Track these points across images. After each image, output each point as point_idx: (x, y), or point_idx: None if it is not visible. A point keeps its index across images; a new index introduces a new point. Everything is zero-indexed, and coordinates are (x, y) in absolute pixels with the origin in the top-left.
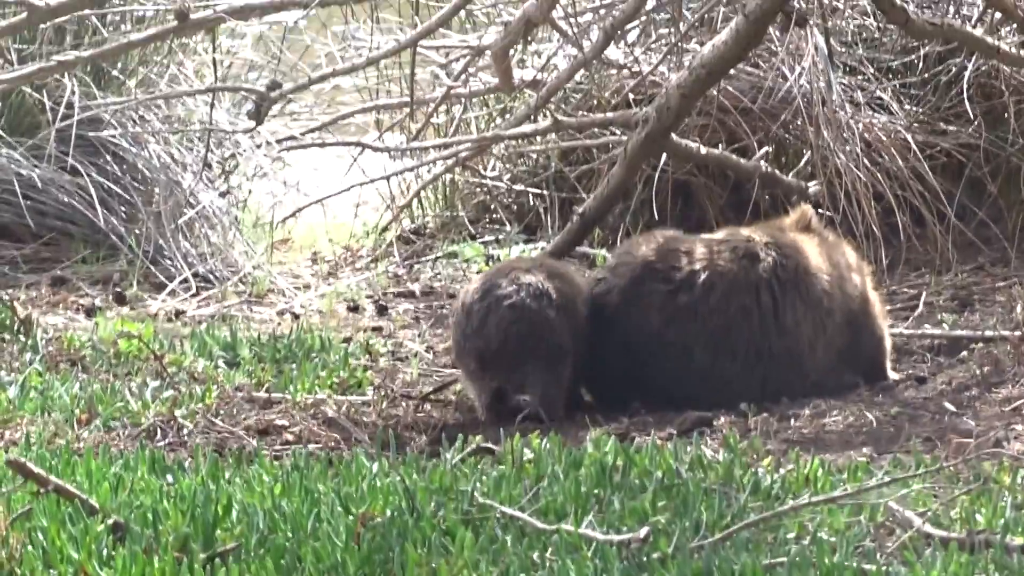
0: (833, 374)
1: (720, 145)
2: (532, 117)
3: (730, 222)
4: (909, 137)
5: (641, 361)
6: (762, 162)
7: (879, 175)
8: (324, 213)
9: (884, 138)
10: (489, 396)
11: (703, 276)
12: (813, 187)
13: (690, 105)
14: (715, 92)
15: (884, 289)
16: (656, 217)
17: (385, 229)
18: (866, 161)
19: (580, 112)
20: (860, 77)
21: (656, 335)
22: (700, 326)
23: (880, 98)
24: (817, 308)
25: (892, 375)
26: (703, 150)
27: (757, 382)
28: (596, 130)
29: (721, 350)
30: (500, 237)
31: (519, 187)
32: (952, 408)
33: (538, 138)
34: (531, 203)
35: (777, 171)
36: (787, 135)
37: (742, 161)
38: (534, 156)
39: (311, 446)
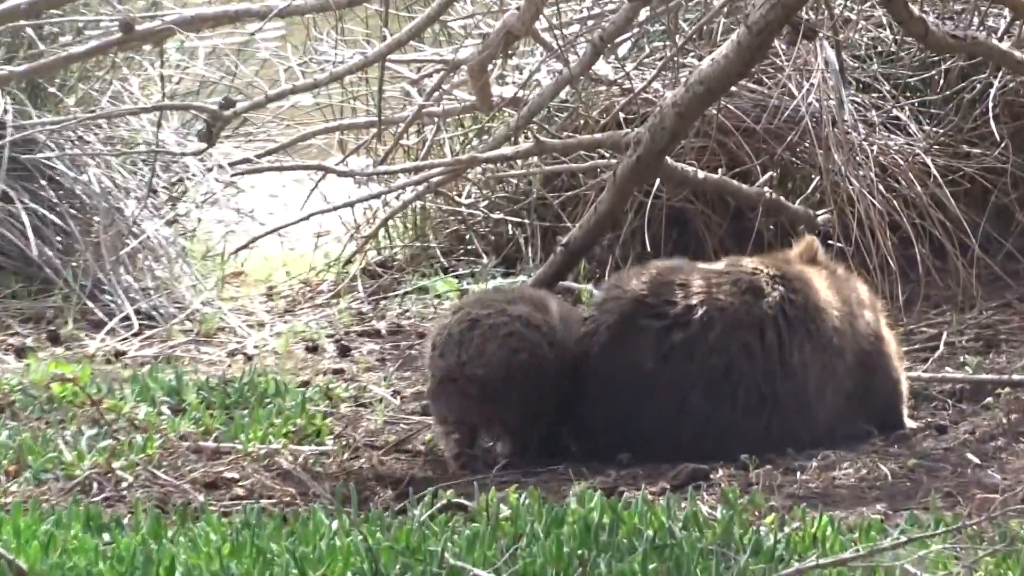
0: (844, 421)
1: (720, 169)
2: (512, 139)
3: (730, 254)
4: (928, 161)
5: (631, 406)
6: (766, 188)
7: (895, 203)
8: (281, 244)
9: (901, 162)
10: (466, 435)
11: (701, 311)
12: (822, 215)
13: (687, 125)
14: (714, 111)
15: (900, 328)
16: (648, 248)
17: (348, 261)
18: (881, 187)
19: (565, 133)
20: (875, 95)
21: (648, 376)
22: (697, 367)
23: (897, 118)
24: (827, 348)
25: (909, 423)
26: (701, 174)
27: (760, 430)
28: (582, 153)
29: (720, 394)
30: (476, 270)
31: (497, 215)
32: (976, 460)
33: (519, 162)
34: (510, 233)
35: (783, 198)
36: (794, 159)
37: (744, 187)
38: (514, 182)
39: (264, 501)
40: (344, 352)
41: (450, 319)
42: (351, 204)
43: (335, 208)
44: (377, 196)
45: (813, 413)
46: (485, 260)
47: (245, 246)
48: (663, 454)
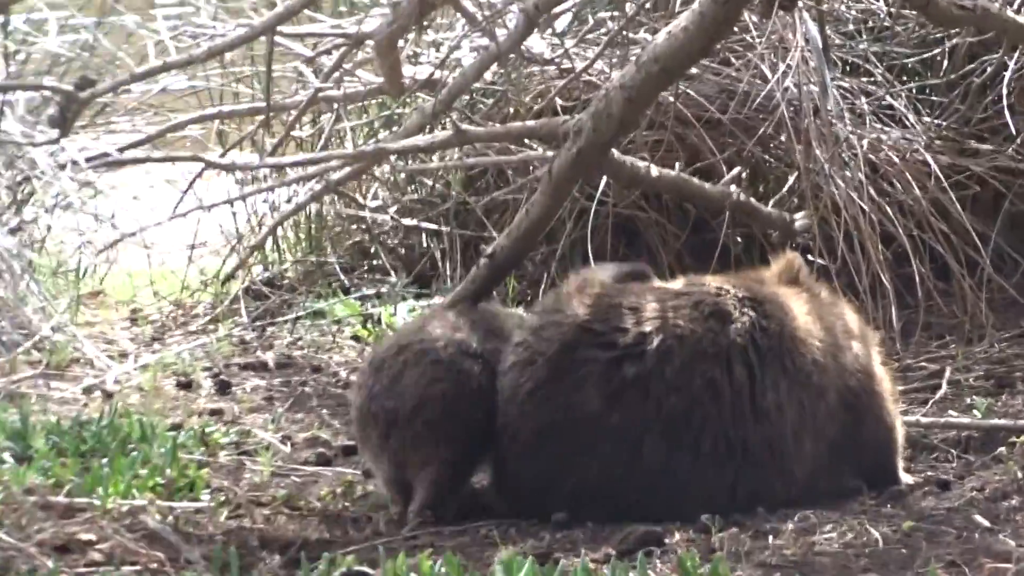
0: (826, 475)
1: (678, 166)
2: (428, 128)
3: (688, 270)
4: (929, 159)
5: (571, 455)
6: (733, 187)
7: (889, 210)
8: (148, 258)
9: (896, 160)
10: (398, 488)
11: (656, 340)
12: (801, 220)
13: (638, 112)
14: (671, 97)
15: (895, 363)
16: (592, 264)
17: (229, 278)
18: (872, 191)
19: (491, 122)
20: (865, 79)
21: (593, 420)
22: (652, 408)
23: (891, 107)
24: (807, 387)
25: (905, 478)
26: (655, 171)
27: (726, 485)
28: (512, 145)
29: (679, 441)
30: (383, 290)
31: (409, 222)
32: (985, 523)
33: (435, 156)
34: (424, 245)
35: (753, 200)
36: (767, 156)
37: (707, 186)
38: (429, 182)
39: (126, 568)
40: (223, 389)
41: (383, 345)
42: (230, 201)
43: (213, 206)
44: (262, 191)
45: (789, 465)
46: (394, 278)
47: (103, 250)
48: (608, 513)
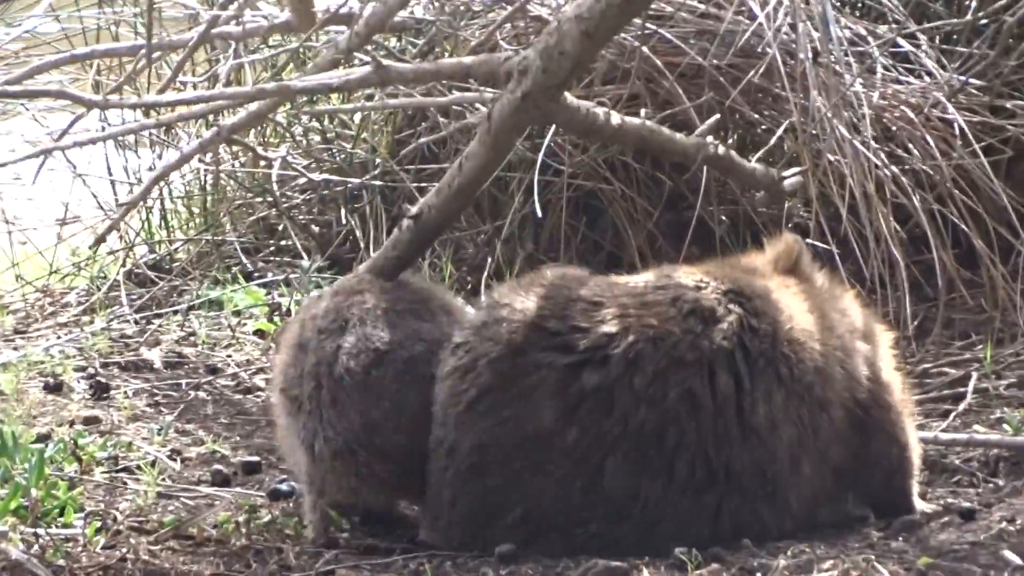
0: (827, 503)
1: (644, 114)
2: (343, 62)
3: (661, 253)
4: (956, 117)
5: (519, 476)
6: (710, 138)
7: (903, 179)
8: (9, 236)
9: (912, 116)
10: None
11: (624, 343)
12: (791, 177)
13: (595, 50)
14: (637, 40)
15: (910, 368)
16: (548, 244)
17: (99, 242)
18: (883, 156)
19: (418, 60)
20: (875, 21)
21: (545, 436)
22: (616, 424)
23: (907, 54)
24: (805, 400)
25: (920, 505)
26: (616, 119)
27: (706, 515)
28: (443, 86)
29: (650, 465)
30: (292, 275)
31: (320, 176)
32: (1016, 559)
33: (353, 101)
34: (343, 220)
35: (734, 152)
36: (755, 114)
37: (677, 137)
38: (347, 146)
39: None
40: (100, 392)
41: (333, 341)
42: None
43: (77, 144)
44: (136, 131)
45: (784, 493)
46: (306, 261)
47: None
48: (563, 548)
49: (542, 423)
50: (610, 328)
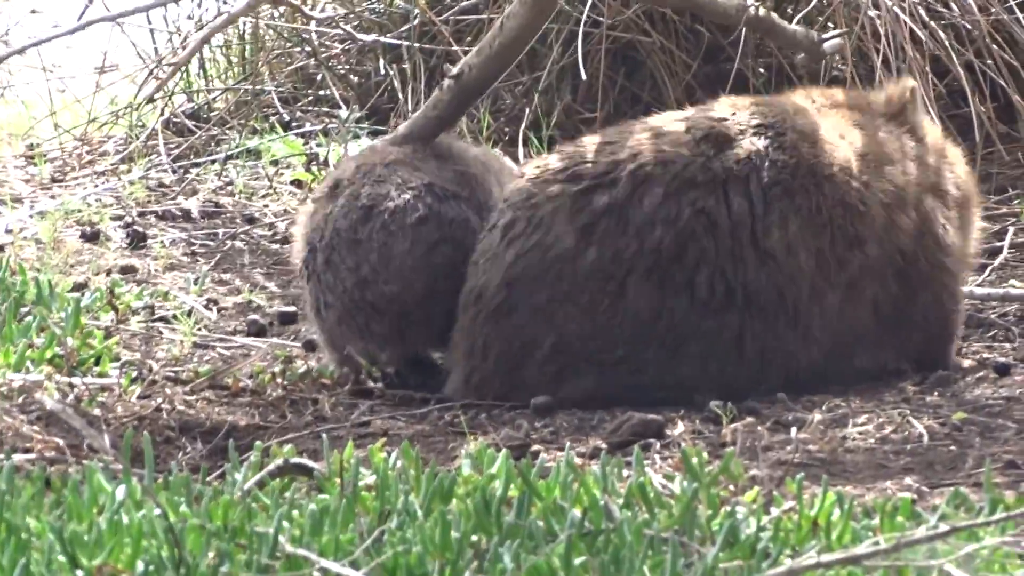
0: (866, 349)
1: None
2: None
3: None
4: None
5: (547, 308)
6: (750, 0)
7: (941, 34)
8: (47, 82)
9: None
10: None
11: (631, 166)
12: (831, 40)
13: None
14: None
15: None
16: (586, 96)
17: (147, 103)
18: (922, 11)
19: None
20: None
21: (567, 261)
22: (632, 243)
23: None
24: (827, 230)
25: (957, 361)
26: None
27: (730, 336)
28: None
29: (671, 280)
30: (331, 126)
31: (365, 37)
32: None
33: None
34: (382, 71)
35: (775, 15)
36: None
37: None
38: None
39: (18, 457)
40: (137, 242)
41: (324, 208)
42: (148, 8)
43: (125, 14)
44: None
45: (805, 319)
46: (344, 111)
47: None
48: (594, 379)
49: (562, 247)
50: (619, 156)
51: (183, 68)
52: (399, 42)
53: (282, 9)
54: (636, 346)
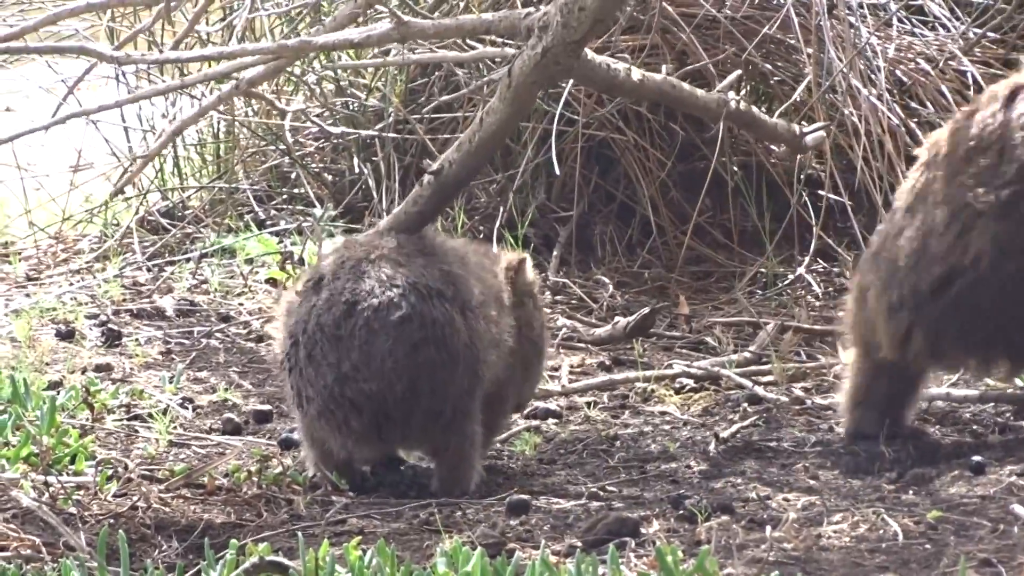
0: None
1: (665, 70)
2: (362, 18)
3: (674, 204)
4: (971, 69)
5: None
6: (731, 93)
7: (919, 133)
8: (22, 181)
9: (929, 69)
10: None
11: None
12: (813, 133)
13: (615, 6)
14: None
15: None
16: (561, 194)
17: (116, 194)
18: (898, 108)
19: (438, 13)
20: None
21: None
22: None
23: (922, 6)
24: None
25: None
26: (636, 75)
27: None
28: (463, 42)
29: None
30: (305, 224)
31: (336, 129)
32: None
33: (372, 56)
34: (356, 170)
35: (755, 108)
36: (770, 64)
37: (699, 93)
38: (361, 96)
39: None
40: (112, 340)
41: (312, 296)
42: (121, 104)
43: (100, 109)
44: (159, 94)
45: None
46: (318, 209)
47: None
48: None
49: None
50: None
51: (156, 162)
52: (375, 133)
53: (256, 107)
54: None
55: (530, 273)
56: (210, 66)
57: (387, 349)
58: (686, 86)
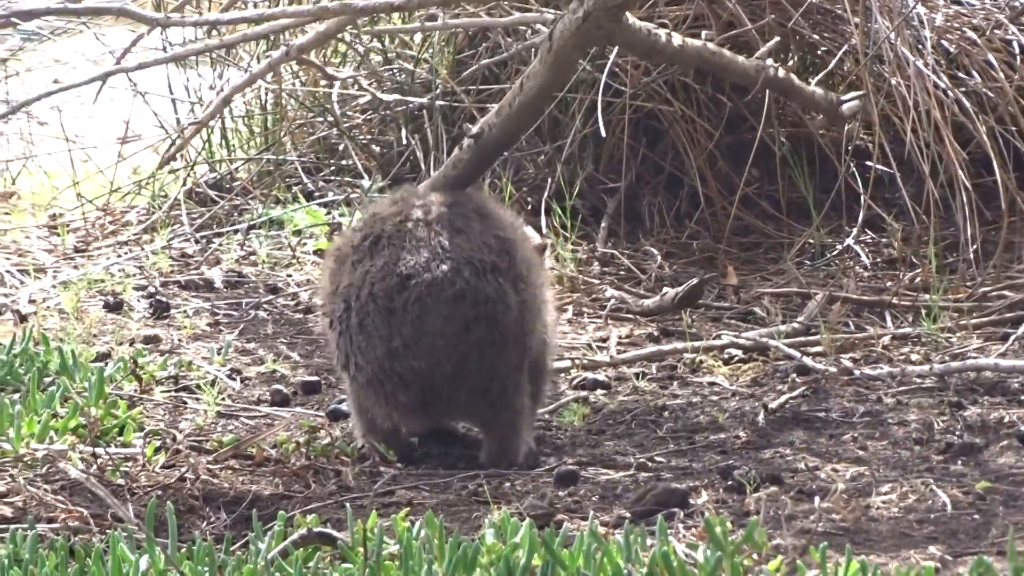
0: None
1: (704, 36)
2: None
3: (722, 175)
4: (1018, 38)
5: None
6: (769, 61)
7: (965, 102)
8: (69, 153)
9: (976, 38)
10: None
11: None
12: (850, 101)
13: None
14: None
15: (970, 290)
16: (608, 165)
17: (166, 163)
18: (944, 78)
19: None
20: None
21: None
22: None
23: None
24: None
25: None
26: (677, 40)
27: None
28: (505, 6)
29: None
30: (353, 195)
31: (388, 97)
32: None
33: (414, 21)
34: (404, 141)
35: (794, 76)
36: (817, 34)
37: (739, 59)
38: (409, 66)
39: (42, 526)
40: (160, 311)
41: (364, 265)
42: (166, 61)
43: (140, 67)
44: (202, 52)
45: None
46: (366, 180)
47: (6, 115)
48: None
49: None
50: None
51: (204, 133)
52: (422, 100)
53: (304, 77)
54: None
55: (547, 261)
56: (250, 27)
57: (438, 327)
58: (726, 52)
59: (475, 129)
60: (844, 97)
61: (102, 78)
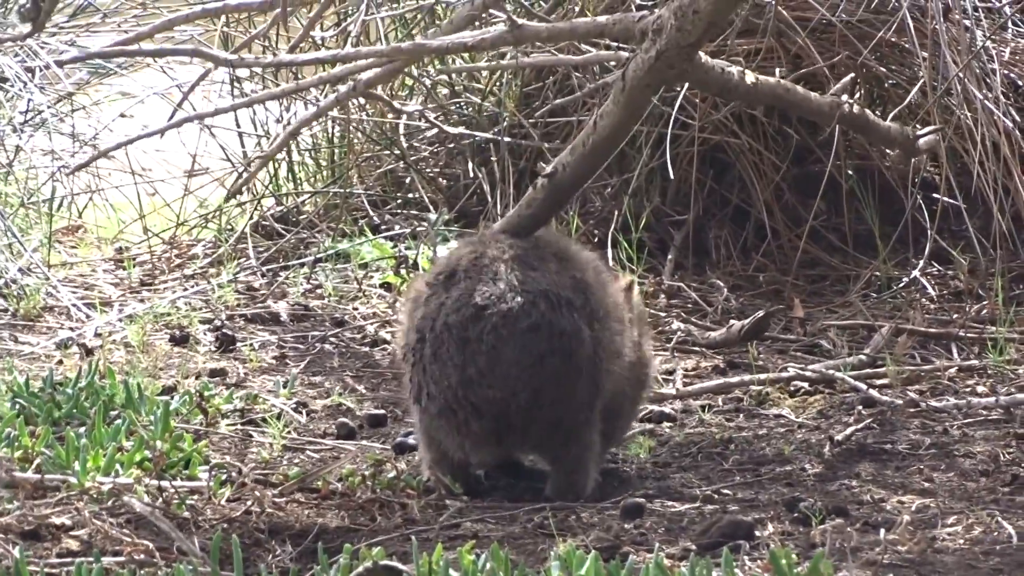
0: None
1: (778, 73)
2: (478, 22)
3: (788, 207)
4: None
5: None
6: (844, 96)
7: None
8: (136, 186)
9: None
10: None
11: None
12: (926, 137)
13: (729, 9)
14: None
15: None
16: (675, 198)
17: (232, 196)
18: (1013, 112)
19: (554, 16)
20: None
21: None
22: None
23: None
24: None
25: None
26: (750, 78)
27: None
28: (578, 44)
29: None
30: (419, 228)
31: (454, 130)
32: None
33: (487, 59)
34: (471, 174)
35: (869, 111)
36: (884, 67)
37: (813, 96)
38: (476, 100)
39: (108, 559)
40: (226, 345)
41: (442, 293)
42: (236, 108)
43: (215, 113)
44: (274, 98)
45: None
46: (433, 214)
47: (84, 166)
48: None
49: None
50: None
51: (271, 167)
52: (490, 136)
53: (371, 110)
54: None
55: (638, 295)
56: (324, 69)
57: (513, 358)
58: (800, 89)
59: (549, 168)
60: (920, 132)
61: (177, 125)
